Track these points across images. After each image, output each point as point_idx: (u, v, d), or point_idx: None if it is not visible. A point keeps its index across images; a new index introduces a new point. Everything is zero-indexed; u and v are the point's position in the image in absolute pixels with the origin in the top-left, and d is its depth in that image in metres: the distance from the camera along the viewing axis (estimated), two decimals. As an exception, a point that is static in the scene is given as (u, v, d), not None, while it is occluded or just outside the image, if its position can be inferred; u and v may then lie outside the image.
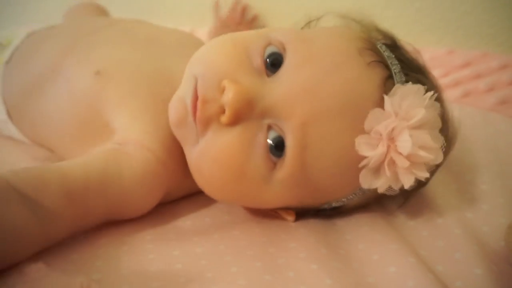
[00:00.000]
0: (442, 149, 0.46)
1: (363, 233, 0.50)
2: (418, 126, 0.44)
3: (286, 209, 0.52)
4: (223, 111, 0.46)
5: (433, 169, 0.48)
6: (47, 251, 0.44)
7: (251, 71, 0.47)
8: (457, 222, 0.51)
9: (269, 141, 0.46)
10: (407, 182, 0.45)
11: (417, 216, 0.52)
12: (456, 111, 0.55)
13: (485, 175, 0.60)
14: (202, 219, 0.53)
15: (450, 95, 0.74)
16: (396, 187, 0.46)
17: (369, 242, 0.48)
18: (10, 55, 0.67)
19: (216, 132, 0.46)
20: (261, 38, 0.49)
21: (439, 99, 0.47)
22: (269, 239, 0.49)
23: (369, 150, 0.45)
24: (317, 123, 0.45)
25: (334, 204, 0.50)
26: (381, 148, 0.44)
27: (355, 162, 0.45)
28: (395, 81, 0.47)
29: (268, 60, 0.47)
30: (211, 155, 0.47)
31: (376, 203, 0.54)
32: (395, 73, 0.47)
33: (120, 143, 0.51)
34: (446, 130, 0.50)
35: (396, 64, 0.48)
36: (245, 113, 0.45)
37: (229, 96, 0.45)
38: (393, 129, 0.44)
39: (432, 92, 0.46)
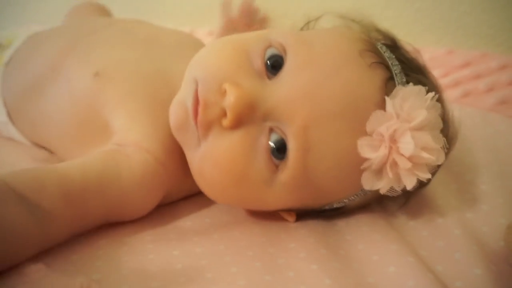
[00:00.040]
0: (444, 150, 0.46)
1: (363, 234, 0.50)
2: (420, 128, 0.44)
3: (287, 210, 0.52)
4: (225, 115, 0.45)
5: (435, 170, 0.48)
6: (47, 252, 0.44)
7: (252, 74, 0.47)
8: (457, 222, 0.51)
9: (271, 144, 0.46)
10: (409, 184, 0.45)
11: (417, 216, 0.52)
12: (456, 112, 0.55)
13: (485, 176, 0.60)
14: (202, 220, 0.53)
15: (449, 95, 0.74)
16: (398, 188, 0.46)
17: (369, 242, 0.48)
18: (10, 57, 0.67)
19: (217, 136, 0.46)
20: (261, 40, 0.49)
21: (439, 99, 0.47)
22: (269, 239, 0.49)
23: (371, 152, 0.45)
24: (319, 125, 0.45)
25: (335, 205, 0.51)
26: (383, 150, 0.44)
27: (357, 164, 0.45)
28: (396, 82, 0.47)
29: (268, 62, 0.47)
30: (213, 159, 0.47)
31: (376, 203, 0.54)
32: (395, 74, 0.47)
33: (119, 145, 0.51)
34: (447, 130, 0.50)
35: (397, 65, 0.48)
36: (247, 116, 0.45)
37: (230, 100, 0.45)
38: (395, 131, 0.44)
39: (433, 93, 0.46)
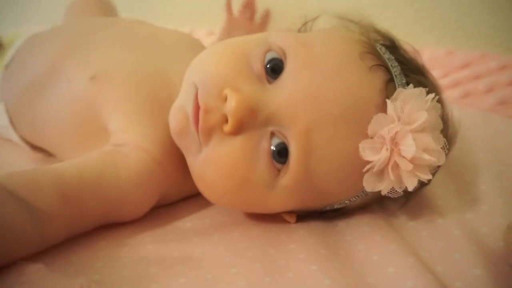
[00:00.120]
0: (444, 150, 0.46)
1: (363, 234, 0.50)
2: (421, 130, 0.44)
3: (288, 212, 0.52)
4: (226, 120, 0.45)
5: (435, 170, 0.48)
6: (47, 253, 0.44)
7: (252, 78, 0.47)
8: (457, 223, 0.51)
9: (273, 148, 0.46)
10: (411, 185, 0.45)
11: (417, 217, 0.53)
12: (455, 112, 0.55)
13: (485, 176, 0.60)
14: (202, 221, 0.53)
15: (449, 95, 0.74)
16: (400, 190, 0.46)
17: (369, 243, 0.49)
18: (10, 59, 0.67)
19: (219, 142, 0.46)
20: (261, 44, 0.48)
21: (438, 99, 0.47)
22: (269, 240, 0.49)
23: (373, 154, 0.45)
24: (320, 129, 0.45)
25: (336, 206, 0.51)
26: (385, 152, 0.44)
27: (358, 166, 0.45)
28: (396, 84, 0.47)
29: (268, 65, 0.47)
30: (214, 164, 0.47)
31: (377, 204, 0.54)
32: (395, 75, 0.48)
33: (116, 145, 0.51)
34: (446, 130, 0.50)
35: (396, 66, 0.48)
36: (248, 121, 0.45)
37: (231, 105, 0.45)
38: (396, 133, 0.44)
39: (433, 95, 0.46)
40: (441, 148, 0.46)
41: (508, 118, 0.75)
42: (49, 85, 0.59)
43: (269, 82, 0.47)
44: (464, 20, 0.90)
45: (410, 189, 0.45)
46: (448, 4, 0.90)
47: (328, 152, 0.45)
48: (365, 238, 0.49)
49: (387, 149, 0.44)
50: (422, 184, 0.47)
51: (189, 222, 0.52)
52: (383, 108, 0.45)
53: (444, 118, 0.50)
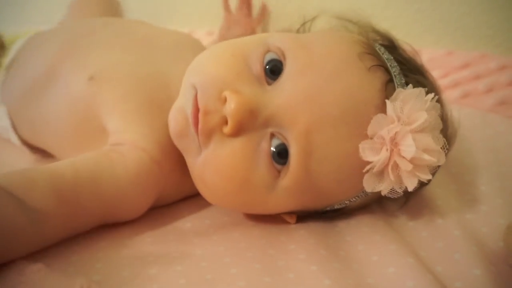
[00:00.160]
0: (444, 150, 0.46)
1: (363, 235, 0.50)
2: (420, 130, 0.44)
3: (288, 212, 0.52)
4: (226, 122, 0.45)
5: (435, 170, 0.48)
6: (47, 253, 0.44)
7: (251, 80, 0.47)
8: (457, 223, 0.51)
9: (273, 149, 0.46)
10: (411, 185, 0.45)
11: (417, 217, 0.53)
12: (455, 112, 0.55)
13: (484, 176, 0.60)
14: (202, 221, 0.53)
15: (449, 96, 0.74)
16: (400, 190, 0.46)
17: (368, 243, 0.49)
18: (11, 61, 0.67)
19: (218, 143, 0.46)
20: (260, 45, 0.48)
21: (438, 99, 0.47)
22: (269, 241, 0.49)
23: (372, 155, 0.45)
24: (320, 130, 0.45)
25: (336, 207, 0.51)
26: (385, 153, 0.45)
27: (358, 166, 0.45)
28: (396, 84, 0.47)
29: (267, 67, 0.47)
30: (214, 166, 0.47)
31: (377, 204, 0.54)
32: (395, 76, 0.48)
33: (114, 144, 0.51)
34: (446, 130, 0.50)
35: (396, 66, 0.48)
36: (248, 123, 0.45)
37: (231, 107, 0.45)
38: (396, 134, 0.44)
39: (432, 95, 0.46)
40: (441, 148, 0.46)
41: (508, 118, 0.74)
42: (48, 85, 0.59)
43: (269, 84, 0.47)
44: (464, 20, 0.90)
45: (410, 189, 0.45)
46: (448, 4, 0.90)
47: (328, 153, 0.45)
48: (365, 239, 0.49)
49: (387, 150, 0.45)
50: (422, 184, 0.47)
51: (189, 223, 0.52)
52: (382, 109, 0.45)
53: (444, 118, 0.50)
